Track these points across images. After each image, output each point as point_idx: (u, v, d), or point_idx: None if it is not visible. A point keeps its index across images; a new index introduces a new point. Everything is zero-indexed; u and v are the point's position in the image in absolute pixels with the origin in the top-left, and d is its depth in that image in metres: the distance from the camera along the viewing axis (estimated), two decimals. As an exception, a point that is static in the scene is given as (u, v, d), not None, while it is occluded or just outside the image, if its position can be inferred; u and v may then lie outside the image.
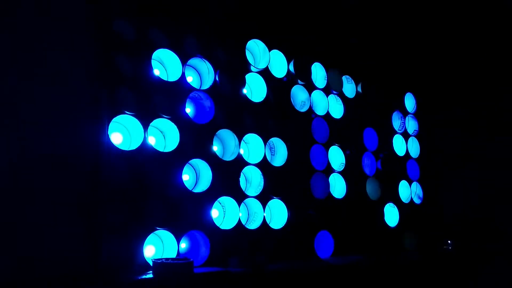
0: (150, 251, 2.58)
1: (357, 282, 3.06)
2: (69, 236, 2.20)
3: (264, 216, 3.03)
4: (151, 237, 2.49)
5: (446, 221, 4.46)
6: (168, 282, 2.16)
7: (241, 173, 3.00)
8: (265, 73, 3.32)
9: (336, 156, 3.74)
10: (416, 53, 4.46)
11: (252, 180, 3.17)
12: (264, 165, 3.13)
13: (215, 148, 2.95)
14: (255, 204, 3.06)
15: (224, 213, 2.97)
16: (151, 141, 2.67)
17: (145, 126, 2.57)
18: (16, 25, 2.21)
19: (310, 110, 3.58)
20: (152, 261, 2.22)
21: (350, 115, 3.89)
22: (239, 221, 2.91)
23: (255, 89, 3.35)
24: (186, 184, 2.73)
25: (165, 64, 2.91)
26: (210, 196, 2.79)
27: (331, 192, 3.55)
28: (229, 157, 2.98)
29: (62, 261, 2.14)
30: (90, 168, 2.32)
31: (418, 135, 4.52)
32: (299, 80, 3.53)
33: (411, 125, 4.51)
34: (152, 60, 2.70)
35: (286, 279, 2.70)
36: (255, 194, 3.04)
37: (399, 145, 4.31)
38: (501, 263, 3.79)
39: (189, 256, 2.62)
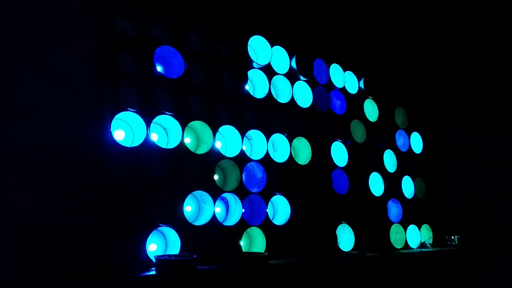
0: (153, 248, 2.59)
1: (368, 276, 3.14)
2: (72, 233, 2.20)
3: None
4: (154, 233, 2.49)
5: (450, 215, 4.45)
6: (171, 278, 2.17)
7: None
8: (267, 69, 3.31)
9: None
10: (418, 53, 4.45)
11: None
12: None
13: (218, 144, 2.94)
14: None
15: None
16: (154, 137, 2.67)
17: (148, 122, 2.57)
18: (18, 22, 2.20)
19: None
20: (155, 257, 2.22)
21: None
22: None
23: (257, 85, 3.34)
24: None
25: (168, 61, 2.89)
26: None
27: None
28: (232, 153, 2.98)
29: (66, 259, 2.14)
30: (93, 165, 2.33)
31: (421, 132, 4.50)
32: (301, 76, 3.52)
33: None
34: (154, 56, 2.69)
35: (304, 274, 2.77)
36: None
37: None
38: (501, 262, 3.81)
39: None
